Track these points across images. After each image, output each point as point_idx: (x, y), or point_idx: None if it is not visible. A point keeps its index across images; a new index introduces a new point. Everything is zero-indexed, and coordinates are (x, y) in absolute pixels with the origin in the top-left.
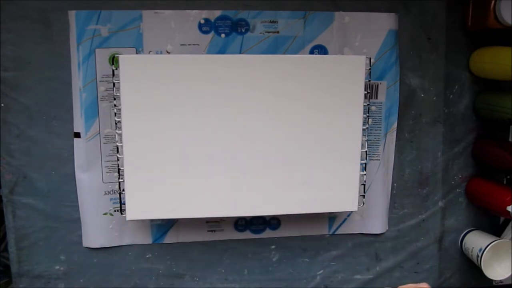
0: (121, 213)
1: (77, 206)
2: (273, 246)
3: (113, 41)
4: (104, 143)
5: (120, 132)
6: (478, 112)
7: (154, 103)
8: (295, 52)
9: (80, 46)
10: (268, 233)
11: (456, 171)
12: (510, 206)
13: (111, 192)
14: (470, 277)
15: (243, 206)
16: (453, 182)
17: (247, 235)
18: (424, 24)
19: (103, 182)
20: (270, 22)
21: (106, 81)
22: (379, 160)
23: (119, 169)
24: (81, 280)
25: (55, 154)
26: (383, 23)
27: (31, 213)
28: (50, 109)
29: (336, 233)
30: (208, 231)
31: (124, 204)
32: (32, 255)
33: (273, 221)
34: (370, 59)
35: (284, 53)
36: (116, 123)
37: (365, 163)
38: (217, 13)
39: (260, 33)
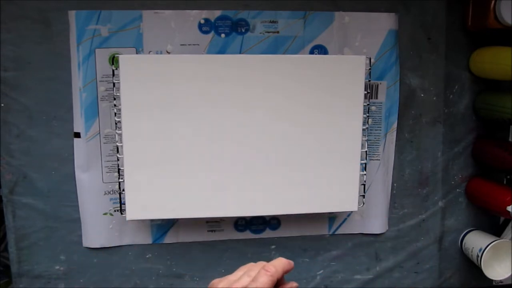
0: (121, 213)
1: (77, 206)
2: (273, 246)
3: (113, 41)
4: (104, 143)
5: (120, 132)
6: (478, 112)
7: (154, 103)
8: (295, 52)
9: (80, 46)
10: (268, 233)
11: (456, 171)
12: (510, 206)
13: (111, 192)
14: (470, 277)
15: (243, 206)
16: (453, 182)
17: (247, 235)
18: (424, 24)
19: (103, 182)
20: (270, 22)
21: (106, 81)
22: (379, 160)
23: (119, 169)
24: (81, 280)
25: (55, 154)
26: (383, 23)
27: (31, 213)
28: (50, 109)
29: (336, 233)
30: (208, 231)
31: (124, 204)
32: (32, 255)
33: (273, 221)
34: (370, 59)
35: (284, 53)
36: (116, 123)
37: (365, 163)
38: (217, 13)
39: (260, 33)
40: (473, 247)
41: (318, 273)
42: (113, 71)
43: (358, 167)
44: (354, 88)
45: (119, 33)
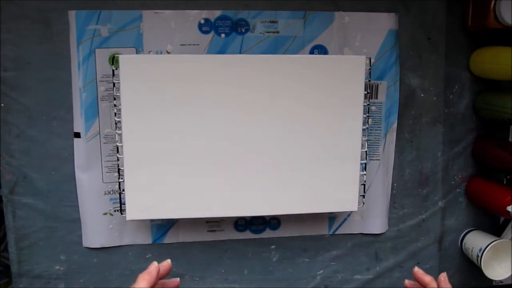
0: (121, 213)
1: (77, 206)
2: (273, 246)
3: (113, 41)
4: (104, 143)
5: (120, 132)
6: (478, 112)
7: (154, 103)
8: (295, 52)
9: (80, 46)
10: (268, 233)
11: (456, 171)
12: (510, 206)
13: (111, 192)
14: (470, 277)
15: (243, 206)
16: (453, 182)
17: (247, 235)
18: (424, 24)
19: (103, 182)
20: (270, 22)
21: (106, 81)
22: (379, 160)
23: (119, 169)
24: (81, 280)
25: (55, 154)
26: (383, 23)
27: (31, 213)
28: (50, 109)
29: (336, 233)
30: (208, 231)
31: (124, 204)
32: (32, 255)
33: (273, 221)
34: (370, 59)
35: (284, 53)
36: (116, 123)
37: (365, 163)
38: (217, 13)
39: (260, 33)
40: (473, 247)
41: (318, 273)
42: (113, 71)
43: (358, 167)
44: (354, 88)
45: (119, 33)
